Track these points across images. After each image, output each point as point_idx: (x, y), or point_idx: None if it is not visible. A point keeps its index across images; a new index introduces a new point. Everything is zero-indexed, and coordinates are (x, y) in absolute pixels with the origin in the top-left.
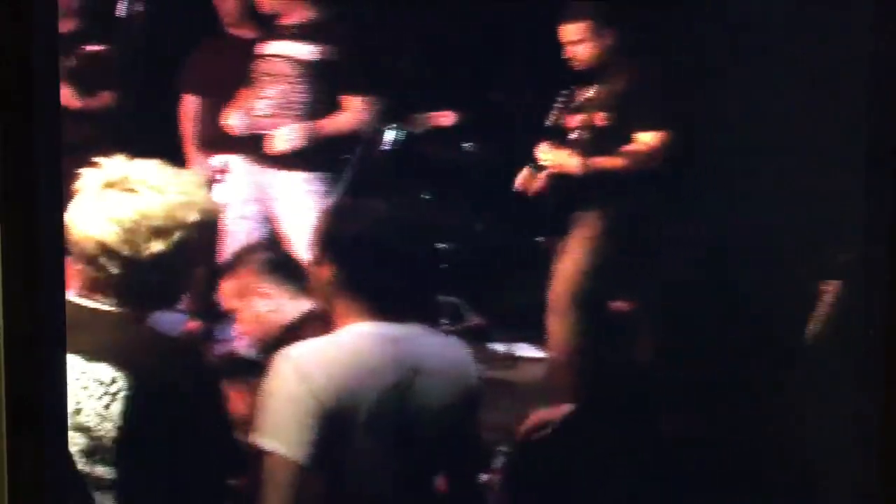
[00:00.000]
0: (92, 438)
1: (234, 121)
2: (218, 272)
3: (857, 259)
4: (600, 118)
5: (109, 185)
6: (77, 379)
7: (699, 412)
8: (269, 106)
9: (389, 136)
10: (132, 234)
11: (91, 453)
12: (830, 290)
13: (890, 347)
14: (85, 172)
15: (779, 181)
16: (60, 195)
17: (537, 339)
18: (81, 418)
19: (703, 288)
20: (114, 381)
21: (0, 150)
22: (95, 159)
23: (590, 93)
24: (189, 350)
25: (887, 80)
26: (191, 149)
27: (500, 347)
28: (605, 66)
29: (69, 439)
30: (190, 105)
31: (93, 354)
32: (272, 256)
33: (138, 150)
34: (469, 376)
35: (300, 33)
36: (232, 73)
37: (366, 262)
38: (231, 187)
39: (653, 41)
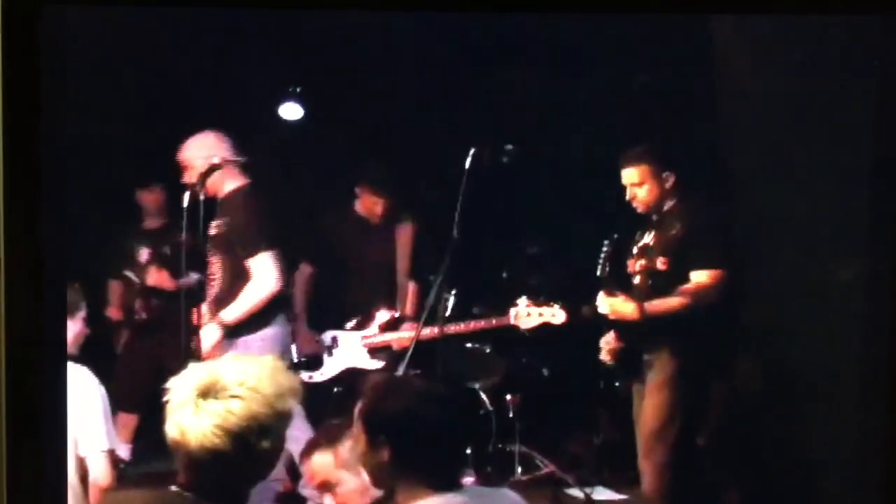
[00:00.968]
0: None
1: None
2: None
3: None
4: (661, 262)
5: (206, 395)
6: None
7: None
8: None
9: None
10: (245, 438)
11: None
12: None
13: (893, 364)
14: (173, 384)
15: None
16: (63, 204)
17: (614, 481)
18: None
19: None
20: None
21: (3, 155)
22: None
23: (649, 238)
24: None
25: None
26: (302, 322)
27: (577, 493)
28: (662, 210)
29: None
30: (303, 275)
31: None
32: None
33: None
34: None
35: None
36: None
37: (422, 435)
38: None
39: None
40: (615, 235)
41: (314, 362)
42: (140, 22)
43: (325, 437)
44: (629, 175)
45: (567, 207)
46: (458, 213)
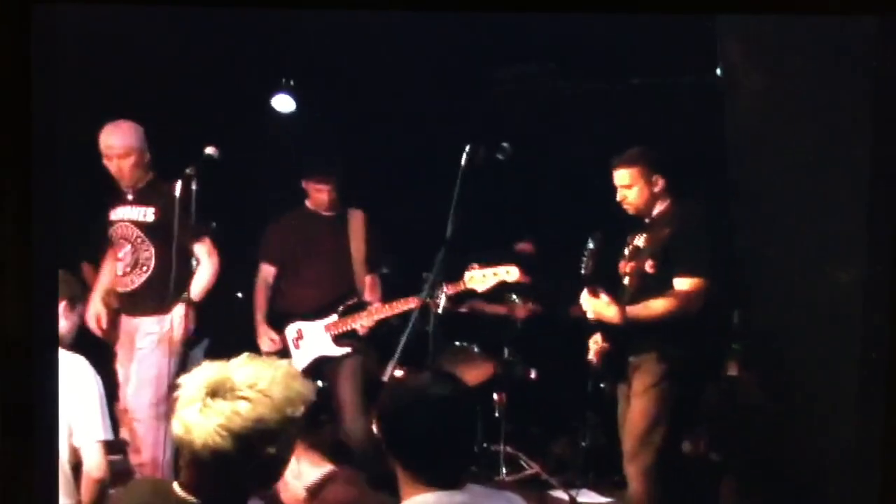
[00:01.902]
0: None
1: None
2: None
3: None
4: (650, 265)
5: (214, 394)
6: None
7: None
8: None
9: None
10: (250, 440)
11: None
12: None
13: (893, 369)
14: (184, 380)
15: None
16: (54, 199)
17: (599, 484)
18: None
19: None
20: None
21: None
22: (196, 369)
23: (641, 241)
24: None
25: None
26: (260, 318)
27: (562, 495)
28: (653, 213)
29: None
30: (266, 275)
31: None
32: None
33: None
34: None
35: None
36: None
37: (411, 436)
38: (303, 354)
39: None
40: (599, 234)
41: (282, 357)
42: (129, 19)
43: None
44: (620, 177)
45: (559, 206)
46: (452, 209)
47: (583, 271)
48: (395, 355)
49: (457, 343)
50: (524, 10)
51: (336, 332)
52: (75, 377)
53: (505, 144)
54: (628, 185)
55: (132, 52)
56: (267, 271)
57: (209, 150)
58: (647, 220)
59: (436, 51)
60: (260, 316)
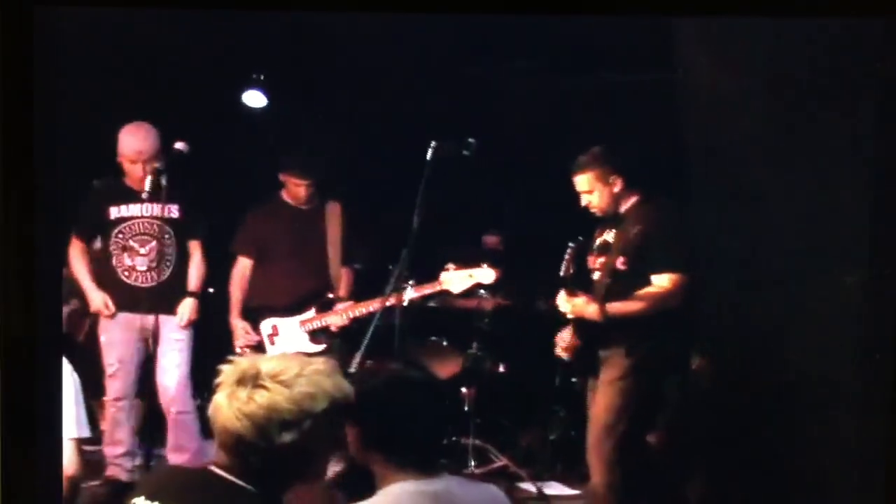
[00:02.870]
0: None
1: None
2: None
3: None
4: (621, 262)
5: (241, 382)
6: None
7: None
8: None
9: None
10: (264, 427)
11: None
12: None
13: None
14: (222, 368)
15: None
16: (59, 201)
17: (566, 477)
18: None
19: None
20: None
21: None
22: (230, 357)
23: (610, 236)
24: None
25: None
26: (235, 312)
27: (529, 487)
28: (620, 211)
29: None
30: (243, 268)
31: None
32: None
33: None
34: None
35: None
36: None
37: (388, 420)
38: (279, 351)
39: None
40: (580, 238)
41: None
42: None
43: None
44: (579, 183)
45: (527, 201)
46: (418, 203)
47: (562, 274)
48: (360, 348)
49: (425, 338)
50: (499, 12)
51: (312, 328)
52: None
53: (471, 140)
54: (588, 191)
55: (128, 51)
56: (244, 264)
57: (178, 144)
58: (615, 217)
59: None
60: (235, 311)
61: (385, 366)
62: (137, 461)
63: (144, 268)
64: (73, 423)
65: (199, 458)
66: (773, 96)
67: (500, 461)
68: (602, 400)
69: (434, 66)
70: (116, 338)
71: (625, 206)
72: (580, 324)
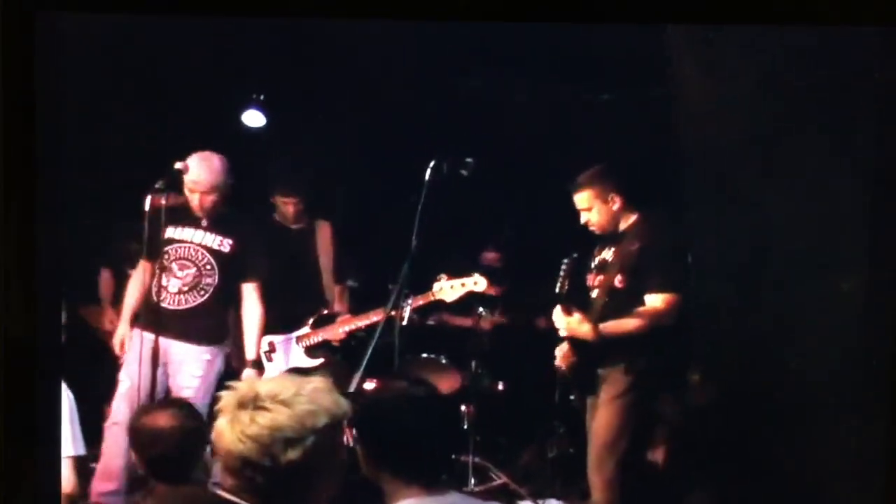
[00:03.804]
0: None
1: None
2: None
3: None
4: (619, 280)
5: (241, 406)
6: None
7: None
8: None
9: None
10: (269, 447)
11: None
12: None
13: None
14: (222, 395)
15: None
16: (58, 205)
17: (566, 494)
18: None
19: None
20: None
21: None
22: (229, 382)
23: (609, 254)
24: None
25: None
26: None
27: None
28: (619, 229)
29: None
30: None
31: None
32: None
33: None
34: None
35: None
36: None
37: (395, 438)
38: (276, 368)
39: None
40: (575, 255)
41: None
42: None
43: None
44: (579, 201)
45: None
46: (416, 222)
47: (557, 290)
48: (360, 367)
49: (424, 355)
50: (496, 20)
51: (308, 344)
52: None
53: (468, 160)
54: (588, 209)
55: (128, 56)
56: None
57: (179, 164)
58: (614, 235)
59: (404, 63)
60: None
61: (391, 384)
62: None
63: (175, 290)
64: (69, 440)
65: None
66: (772, 109)
67: (500, 479)
68: (602, 418)
69: (427, 83)
70: (132, 355)
71: (624, 224)
72: (575, 342)
